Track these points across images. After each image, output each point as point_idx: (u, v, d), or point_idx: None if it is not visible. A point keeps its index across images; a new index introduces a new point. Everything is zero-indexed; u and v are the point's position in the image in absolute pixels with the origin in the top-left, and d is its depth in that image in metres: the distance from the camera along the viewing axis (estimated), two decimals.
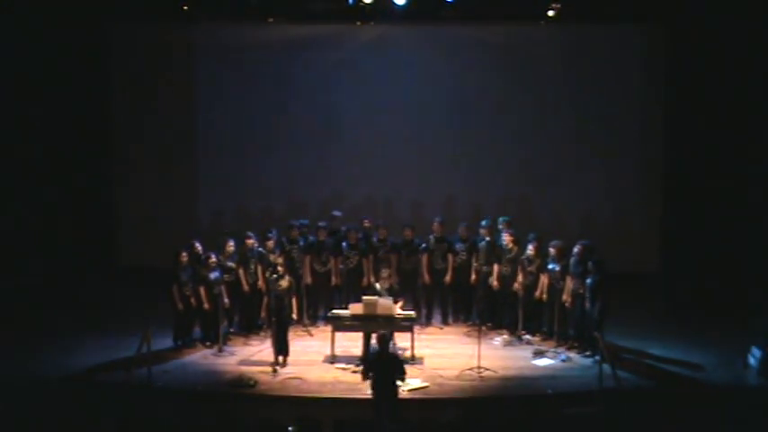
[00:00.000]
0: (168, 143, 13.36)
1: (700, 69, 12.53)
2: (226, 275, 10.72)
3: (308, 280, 11.44)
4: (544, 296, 10.68)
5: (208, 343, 10.67)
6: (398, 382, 8.29)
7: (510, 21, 12.81)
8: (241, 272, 10.97)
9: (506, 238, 11.10)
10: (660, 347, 10.57)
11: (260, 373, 9.68)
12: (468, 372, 9.69)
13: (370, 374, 8.24)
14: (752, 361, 9.73)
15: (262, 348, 10.52)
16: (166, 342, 10.50)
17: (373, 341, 10.09)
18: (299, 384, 9.44)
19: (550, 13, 12.28)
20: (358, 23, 12.78)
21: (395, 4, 11.94)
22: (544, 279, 10.67)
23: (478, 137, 13.28)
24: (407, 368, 8.75)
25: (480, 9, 12.46)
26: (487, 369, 9.72)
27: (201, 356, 10.38)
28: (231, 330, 11.04)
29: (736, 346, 10.15)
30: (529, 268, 10.80)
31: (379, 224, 11.72)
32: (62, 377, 9.57)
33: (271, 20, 12.86)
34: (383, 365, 8.26)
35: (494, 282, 11.12)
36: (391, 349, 9.40)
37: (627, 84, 13.09)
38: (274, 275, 10.06)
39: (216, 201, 13.49)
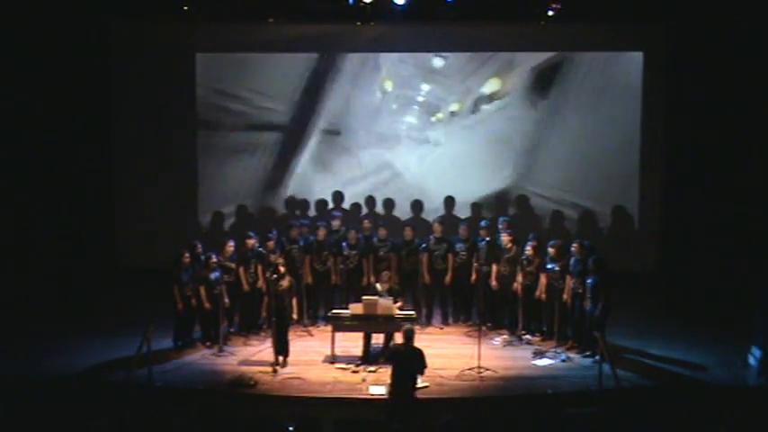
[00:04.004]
0: (168, 143, 13.35)
1: (700, 68, 12.52)
2: (225, 275, 10.72)
3: (309, 279, 11.45)
4: (543, 296, 10.69)
5: (208, 343, 10.68)
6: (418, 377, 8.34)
7: (510, 21, 12.81)
8: (241, 272, 10.97)
9: (505, 238, 11.12)
10: (660, 347, 10.58)
11: (260, 373, 9.68)
12: (468, 372, 9.69)
13: (391, 364, 8.27)
14: (752, 361, 9.73)
15: (262, 348, 10.52)
16: (166, 342, 10.52)
17: (376, 343, 10.16)
18: (299, 384, 9.44)
19: (550, 13, 12.27)
20: (358, 23, 12.77)
21: (395, 4, 11.94)
22: (543, 279, 10.68)
23: (478, 136, 13.28)
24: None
25: (480, 9, 12.46)
26: (487, 369, 9.72)
27: (201, 356, 10.38)
28: (231, 330, 11.05)
29: (736, 346, 10.16)
30: (528, 268, 10.80)
31: (379, 224, 11.72)
32: (62, 377, 9.57)
33: (271, 20, 12.85)
34: (405, 357, 8.25)
35: (492, 282, 11.13)
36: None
37: (627, 83, 13.07)
38: (275, 276, 10.07)
39: (216, 201, 13.49)
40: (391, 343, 10.05)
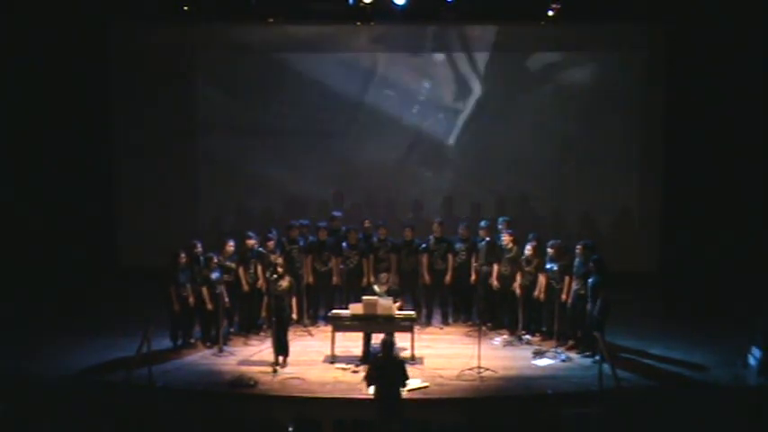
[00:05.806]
0: (168, 143, 13.36)
1: (700, 69, 12.53)
2: (225, 275, 10.72)
3: (310, 279, 11.45)
4: (542, 296, 10.69)
5: (208, 343, 10.68)
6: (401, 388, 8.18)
7: (510, 21, 12.82)
8: (241, 272, 10.97)
9: (505, 238, 11.11)
10: (660, 347, 10.58)
11: (260, 373, 9.67)
12: (468, 372, 9.69)
13: (374, 379, 8.13)
14: (752, 361, 9.73)
15: (262, 348, 10.52)
16: (166, 342, 10.52)
17: (375, 343, 10.14)
18: (299, 384, 9.44)
19: (550, 13, 12.28)
20: (358, 23, 12.78)
21: (395, 4, 11.95)
22: (542, 279, 10.68)
23: (478, 136, 13.29)
24: (407, 368, 8.69)
25: (480, 9, 12.48)
26: (487, 369, 9.72)
27: (201, 356, 10.38)
28: (231, 330, 11.05)
29: (736, 346, 10.16)
30: (527, 268, 10.80)
31: (379, 224, 11.72)
32: (62, 377, 9.57)
33: (271, 20, 12.86)
34: (386, 370, 8.18)
35: (493, 282, 11.13)
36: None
37: (627, 83, 13.09)
38: (274, 276, 10.06)
39: (216, 201, 13.50)
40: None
